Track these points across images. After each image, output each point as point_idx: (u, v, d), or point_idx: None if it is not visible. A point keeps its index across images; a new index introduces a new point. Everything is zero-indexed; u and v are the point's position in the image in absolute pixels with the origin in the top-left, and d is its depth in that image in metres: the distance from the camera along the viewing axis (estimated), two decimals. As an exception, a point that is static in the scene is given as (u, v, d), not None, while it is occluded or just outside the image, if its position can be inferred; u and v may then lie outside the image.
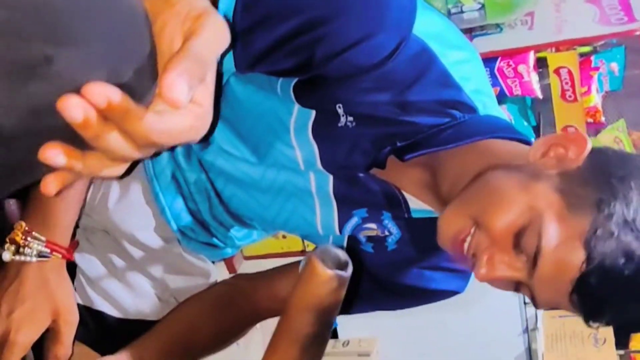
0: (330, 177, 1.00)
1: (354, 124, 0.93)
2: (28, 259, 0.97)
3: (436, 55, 0.91)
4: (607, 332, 3.04)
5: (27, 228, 0.98)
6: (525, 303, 2.88)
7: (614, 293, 0.81)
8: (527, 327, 2.99)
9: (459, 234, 0.88)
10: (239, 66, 0.90)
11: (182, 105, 0.50)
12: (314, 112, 0.96)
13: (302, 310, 0.71)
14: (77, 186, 1.00)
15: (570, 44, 1.78)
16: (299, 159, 0.99)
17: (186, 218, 1.10)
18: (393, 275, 1.09)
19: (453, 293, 1.11)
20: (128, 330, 1.05)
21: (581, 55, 1.87)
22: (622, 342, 3.13)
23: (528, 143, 0.93)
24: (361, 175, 0.98)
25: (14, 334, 0.96)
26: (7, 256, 0.97)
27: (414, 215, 1.01)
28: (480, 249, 0.86)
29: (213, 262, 1.23)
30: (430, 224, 0.92)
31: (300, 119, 0.97)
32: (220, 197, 1.08)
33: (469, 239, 0.88)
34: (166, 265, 1.11)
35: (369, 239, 1.07)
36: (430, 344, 3.16)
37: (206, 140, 1.04)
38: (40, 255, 0.97)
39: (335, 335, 3.24)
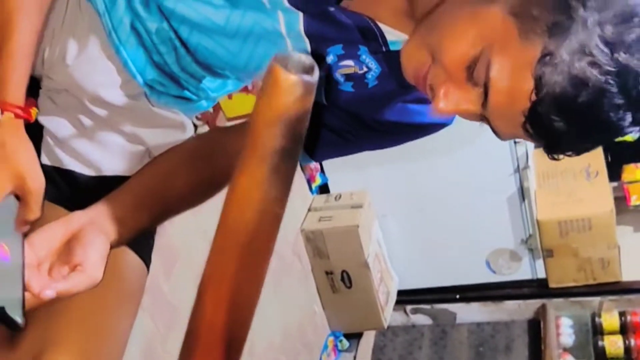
0: (300, 15, 0.94)
1: None
2: None
3: None
4: (600, 165, 3.05)
5: None
6: (515, 142, 2.86)
7: (568, 123, 0.78)
8: (518, 166, 3.00)
9: (419, 70, 0.86)
10: None
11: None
12: None
13: (267, 124, 0.64)
14: (23, 39, 0.92)
15: None
16: None
17: (152, 72, 1.03)
18: (377, 113, 1.05)
19: (441, 126, 1.08)
20: (104, 188, 1.01)
21: None
22: (614, 173, 3.14)
23: None
24: (332, 9, 0.93)
25: None
26: None
27: (392, 47, 0.97)
28: (436, 83, 0.85)
29: (195, 126, 1.19)
30: None
31: None
32: (187, 47, 1.02)
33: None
34: (137, 120, 1.06)
35: (348, 77, 1.02)
36: (421, 191, 3.18)
37: None
38: None
39: (326, 190, 3.28)
